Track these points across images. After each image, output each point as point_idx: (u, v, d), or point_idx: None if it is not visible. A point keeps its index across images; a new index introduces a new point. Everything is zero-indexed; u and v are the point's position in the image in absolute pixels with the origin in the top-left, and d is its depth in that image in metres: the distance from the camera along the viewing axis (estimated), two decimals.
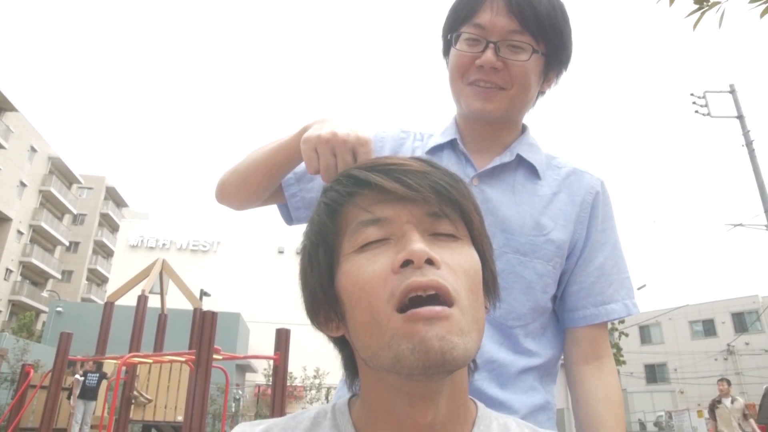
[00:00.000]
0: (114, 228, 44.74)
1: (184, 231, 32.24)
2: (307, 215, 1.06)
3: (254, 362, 24.17)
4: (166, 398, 7.82)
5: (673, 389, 30.55)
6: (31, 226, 36.17)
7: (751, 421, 8.57)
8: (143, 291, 7.81)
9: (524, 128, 1.09)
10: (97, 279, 45.60)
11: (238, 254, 31.29)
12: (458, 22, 0.99)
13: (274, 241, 31.39)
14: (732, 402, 8.84)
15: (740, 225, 15.79)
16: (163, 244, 31.63)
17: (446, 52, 1.05)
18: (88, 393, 9.17)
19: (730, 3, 2.67)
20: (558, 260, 0.99)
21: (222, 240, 31.88)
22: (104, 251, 45.96)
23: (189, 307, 8.60)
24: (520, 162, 1.03)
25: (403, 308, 0.55)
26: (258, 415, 18.73)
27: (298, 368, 21.67)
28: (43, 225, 36.39)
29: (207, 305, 8.60)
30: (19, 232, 35.00)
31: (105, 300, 8.02)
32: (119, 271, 29.79)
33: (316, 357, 20.65)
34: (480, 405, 0.67)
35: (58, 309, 22.13)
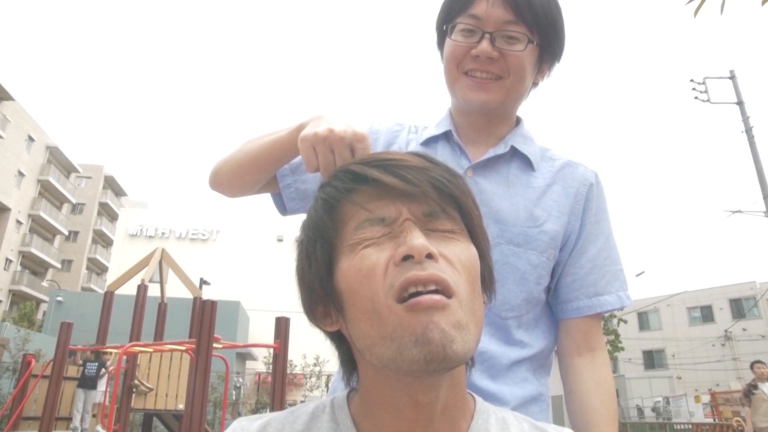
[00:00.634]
0: (113, 217, 44.74)
1: (184, 220, 32.24)
2: (301, 206, 1.06)
3: (254, 350, 24.30)
4: (167, 387, 7.86)
5: (671, 375, 30.79)
6: (30, 215, 36.15)
7: None
8: (143, 280, 7.83)
9: (518, 120, 1.10)
10: (97, 268, 45.67)
11: (237, 243, 31.32)
12: (454, 13, 0.99)
13: (274, 230, 31.41)
14: None
15: (739, 211, 15.81)
16: (163, 233, 31.64)
17: (441, 44, 1.05)
18: (88, 382, 9.22)
19: None
20: (552, 251, 0.99)
21: (221, 228, 31.90)
22: (104, 240, 45.99)
23: (189, 295, 8.62)
24: (515, 154, 1.04)
25: (402, 301, 0.55)
26: (258, 403, 18.85)
27: (298, 356, 21.78)
28: (42, 214, 36.37)
29: (207, 294, 8.60)
30: (18, 222, 34.98)
31: (105, 289, 8.04)
32: (119, 260, 29.84)
33: (315, 345, 20.72)
34: (478, 399, 0.67)
35: (59, 299, 22.18)
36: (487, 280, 0.66)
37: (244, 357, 24.95)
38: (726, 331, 32.28)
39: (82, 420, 8.99)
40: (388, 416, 0.60)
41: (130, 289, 8.24)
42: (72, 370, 9.27)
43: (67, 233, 41.11)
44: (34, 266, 37.51)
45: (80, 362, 9.48)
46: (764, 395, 7.52)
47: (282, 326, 5.78)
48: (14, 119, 32.85)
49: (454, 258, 0.58)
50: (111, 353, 9.22)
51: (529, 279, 0.97)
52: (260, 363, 24.58)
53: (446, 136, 1.06)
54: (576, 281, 1.01)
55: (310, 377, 23.69)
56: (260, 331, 23.76)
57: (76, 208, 43.72)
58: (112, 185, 47.51)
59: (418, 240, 0.56)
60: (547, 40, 0.99)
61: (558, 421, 1.02)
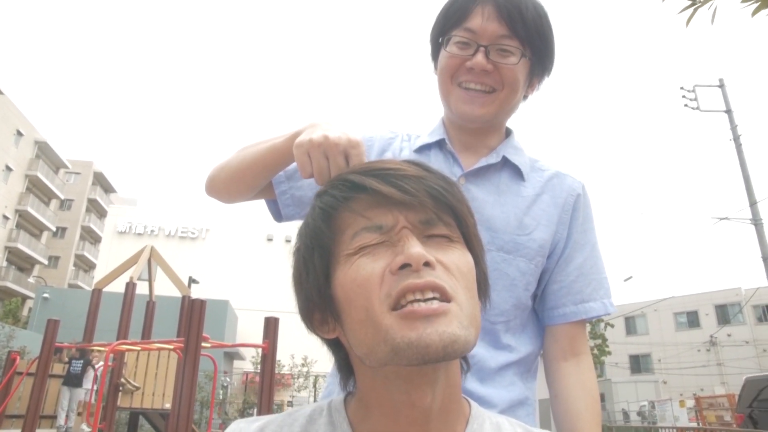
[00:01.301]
0: (102, 214, 44.37)
1: (173, 218, 32.06)
2: (296, 212, 1.07)
3: (242, 350, 24.21)
4: (154, 385, 7.81)
5: (657, 379, 31.01)
6: (17, 211, 35.75)
7: None
8: (131, 278, 7.77)
9: (509, 132, 1.13)
10: (85, 265, 45.26)
11: (226, 241, 31.19)
12: (449, 26, 1.01)
13: (263, 229, 31.31)
14: None
15: (726, 219, 15.96)
16: (152, 231, 31.45)
17: (435, 56, 1.07)
18: (73, 380, 9.14)
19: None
20: (539, 259, 1.02)
21: (211, 227, 31.76)
22: (92, 237, 45.58)
23: (177, 294, 8.57)
24: (506, 163, 1.06)
25: (398, 308, 0.56)
26: (246, 403, 18.77)
27: (286, 356, 21.74)
28: (30, 210, 35.98)
29: (195, 293, 8.56)
30: (5, 217, 34.60)
31: (93, 287, 7.97)
32: (107, 257, 29.62)
33: (304, 345, 20.72)
34: (473, 404, 0.68)
35: (45, 295, 21.98)
36: (482, 286, 0.67)
37: (231, 356, 24.84)
38: (711, 336, 32.60)
39: (67, 418, 8.91)
40: (385, 418, 0.60)
41: (118, 286, 8.19)
42: (57, 368, 9.18)
43: (54, 229, 40.70)
44: (20, 262, 37.10)
45: (66, 360, 9.39)
46: None
47: (271, 326, 5.77)
48: (2, 113, 32.50)
49: (451, 265, 0.59)
50: (97, 351, 9.15)
51: (518, 285, 1.00)
52: (248, 362, 24.48)
53: (439, 144, 1.08)
54: (563, 288, 1.04)
55: (298, 377, 23.64)
56: (248, 331, 23.67)
57: (65, 204, 43.30)
58: (101, 182, 47.11)
59: (415, 248, 0.57)
60: (539, 55, 1.02)
61: (545, 424, 1.05)
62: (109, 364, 7.34)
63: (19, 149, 35.36)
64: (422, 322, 0.54)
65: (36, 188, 37.94)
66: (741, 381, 10.41)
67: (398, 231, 0.59)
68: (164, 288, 10.91)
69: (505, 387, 0.97)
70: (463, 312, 0.57)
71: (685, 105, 17.13)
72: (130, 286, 7.68)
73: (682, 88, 17.24)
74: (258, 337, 6.05)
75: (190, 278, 18.36)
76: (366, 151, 1.07)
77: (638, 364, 36.16)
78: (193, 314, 5.09)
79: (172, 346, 6.06)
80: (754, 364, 28.77)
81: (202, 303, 5.17)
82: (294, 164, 0.96)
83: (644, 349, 35.87)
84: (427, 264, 0.57)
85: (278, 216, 1.12)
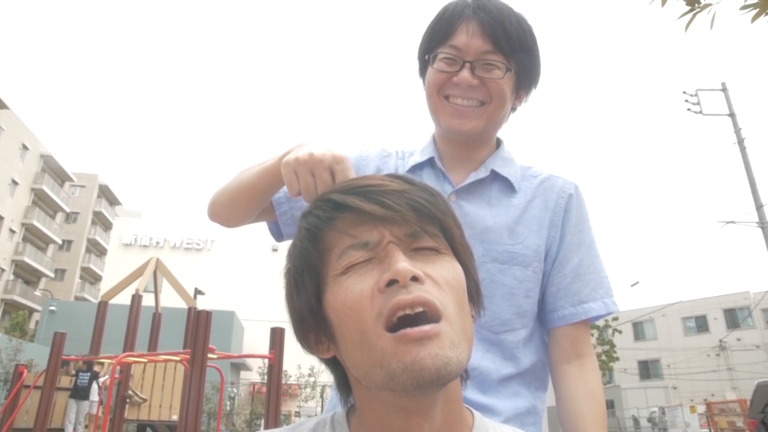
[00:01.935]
0: (107, 226, 44.54)
1: (178, 229, 32.14)
2: None
3: (249, 361, 24.16)
4: (161, 397, 7.81)
5: (666, 385, 30.77)
6: (23, 224, 35.96)
7: None
8: (137, 290, 7.78)
9: (499, 143, 1.14)
10: (91, 277, 45.40)
11: (232, 252, 31.22)
12: (435, 44, 1.04)
13: (269, 240, 31.29)
14: None
15: (732, 222, 15.89)
16: (157, 243, 31.53)
17: (423, 73, 1.10)
18: (80, 392, 9.14)
19: (721, 4, 2.70)
20: (537, 264, 1.03)
21: (216, 238, 31.81)
22: (97, 250, 45.77)
23: (183, 305, 8.58)
24: (495, 177, 1.08)
25: (391, 327, 0.55)
26: (253, 414, 18.71)
27: (292, 367, 21.68)
28: (36, 223, 36.19)
29: (201, 304, 8.57)
30: (11, 231, 34.79)
31: (99, 299, 7.99)
32: (113, 269, 29.69)
33: (310, 356, 20.61)
34: (477, 414, 0.67)
35: (52, 308, 22.04)
36: (474, 296, 0.67)
37: (238, 367, 24.80)
38: (720, 341, 32.35)
39: (74, 431, 8.91)
40: None
41: (124, 298, 8.20)
42: (65, 381, 9.19)
43: (60, 242, 40.90)
44: (26, 275, 37.26)
45: (73, 372, 9.40)
46: None
47: (277, 337, 5.76)
48: (8, 127, 32.78)
49: (439, 278, 0.59)
50: (103, 363, 9.15)
51: (517, 294, 1.00)
52: (255, 373, 24.43)
53: (430, 162, 1.10)
54: (560, 290, 1.04)
55: (305, 388, 23.56)
56: (255, 342, 23.65)
57: (70, 217, 43.53)
58: (106, 194, 47.37)
59: (401, 264, 0.56)
60: (524, 68, 1.04)
61: (555, 431, 1.03)
62: (116, 376, 7.35)
63: (25, 163, 35.62)
64: (415, 345, 0.54)
65: (42, 201, 38.17)
66: (752, 386, 10.32)
67: (384, 246, 0.59)
68: (170, 300, 10.92)
69: (508, 397, 0.96)
70: (454, 329, 0.57)
71: (688, 109, 17.11)
72: (136, 298, 7.69)
73: (684, 92, 17.24)
74: (265, 348, 6.04)
75: (196, 290, 18.39)
76: (362, 169, 1.09)
77: (647, 369, 35.89)
78: (199, 325, 5.09)
79: (178, 358, 6.06)
80: (766, 369, 28.49)
81: (208, 314, 5.17)
82: None
83: (653, 355, 35.61)
84: (415, 278, 0.56)
85: (279, 236, 1.14)
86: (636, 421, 26.57)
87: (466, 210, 1.02)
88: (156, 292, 8.73)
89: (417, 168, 1.10)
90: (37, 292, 36.66)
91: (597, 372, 1.01)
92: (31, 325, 30.65)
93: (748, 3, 2.59)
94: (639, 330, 36.71)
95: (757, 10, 2.53)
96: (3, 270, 34.20)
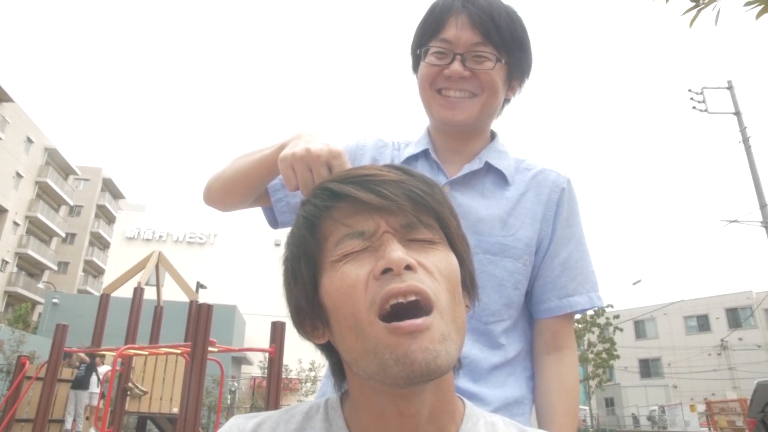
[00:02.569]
0: (110, 219, 44.66)
1: (181, 223, 32.20)
2: (291, 219, 1.09)
3: (250, 354, 24.24)
4: (161, 390, 7.83)
5: (667, 384, 30.77)
6: (27, 217, 36.07)
7: None
8: (139, 283, 7.81)
9: (493, 135, 1.15)
10: (94, 270, 45.54)
11: (234, 247, 31.28)
12: (426, 38, 1.06)
13: (271, 234, 31.36)
14: None
15: (736, 221, 15.85)
16: (160, 236, 31.59)
17: (416, 68, 1.11)
18: (78, 383, 9.21)
19: (726, 1, 2.69)
20: (527, 257, 1.04)
21: (218, 232, 31.86)
22: (101, 243, 45.89)
23: (185, 299, 8.60)
24: (489, 169, 1.09)
25: (384, 316, 0.56)
26: (253, 408, 18.78)
27: (293, 361, 21.74)
28: (40, 216, 36.30)
29: (203, 298, 8.61)
30: (15, 224, 34.91)
31: (101, 292, 8.02)
32: (115, 262, 29.77)
33: (311, 350, 20.62)
34: (468, 403, 0.68)
35: (54, 300, 22.12)
36: (469, 286, 0.67)
37: (239, 361, 24.88)
38: (722, 340, 32.29)
39: (74, 422, 8.95)
40: (375, 423, 0.61)
41: (126, 291, 8.22)
42: (66, 373, 9.24)
43: (64, 235, 41.02)
44: (30, 268, 37.40)
45: (77, 364, 9.45)
46: None
47: (278, 331, 5.77)
48: (13, 121, 32.84)
49: (432, 267, 0.59)
50: (104, 355, 9.19)
51: (507, 285, 1.02)
52: (255, 367, 24.50)
53: (425, 154, 1.11)
54: (548, 283, 1.06)
55: (306, 382, 23.63)
56: (256, 336, 23.70)
57: (74, 210, 43.64)
58: (110, 188, 47.45)
59: (395, 253, 0.57)
60: (515, 58, 1.05)
61: None
62: (117, 368, 7.38)
63: (30, 156, 35.70)
64: (407, 338, 0.55)
65: (46, 195, 38.27)
66: (753, 385, 10.31)
67: (380, 236, 0.60)
68: (172, 293, 10.96)
69: (498, 387, 0.98)
70: (445, 319, 0.57)
71: (693, 107, 17.04)
72: (138, 291, 7.71)
73: (690, 90, 17.17)
74: (266, 342, 6.06)
75: (198, 283, 18.44)
76: (358, 158, 1.10)
77: (648, 368, 35.88)
78: (200, 318, 5.11)
79: (179, 351, 6.09)
80: (767, 369, 28.46)
81: (209, 307, 5.19)
82: None
83: (654, 353, 35.59)
84: (408, 267, 0.57)
85: (274, 222, 1.15)
86: (636, 419, 26.59)
87: (459, 201, 1.02)
88: (158, 286, 8.76)
89: (412, 159, 1.11)
90: (41, 285, 36.79)
91: (574, 364, 1.04)
92: (34, 318, 30.77)
93: None
94: (640, 328, 36.68)
95: (762, 6, 2.51)
96: (7, 262, 34.33)
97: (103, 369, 9.61)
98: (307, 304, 0.63)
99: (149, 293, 8.36)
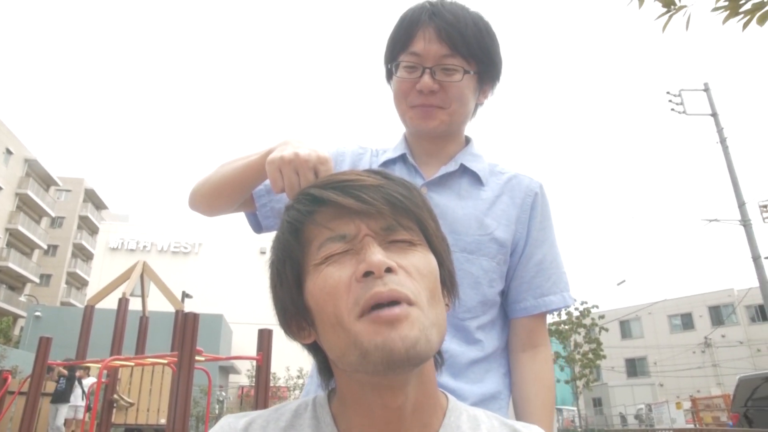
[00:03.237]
0: (93, 230, 44.08)
1: (165, 233, 31.93)
2: (275, 224, 1.12)
3: (237, 363, 24.04)
4: (148, 401, 7.76)
5: (653, 382, 31.09)
6: (7, 229, 35.46)
7: None
8: (124, 294, 7.73)
9: (468, 140, 1.20)
10: (77, 282, 44.86)
11: (219, 255, 31.07)
12: (396, 52, 1.09)
13: (256, 242, 31.21)
14: None
15: (716, 220, 16.12)
16: (144, 246, 31.29)
17: (389, 79, 1.15)
18: (58, 397, 9.07)
19: (696, 6, 2.77)
20: (501, 257, 1.08)
21: (203, 241, 31.64)
22: (84, 254, 45.23)
23: (171, 309, 8.53)
24: (464, 171, 1.13)
25: (365, 315, 0.59)
26: None
27: (281, 369, 21.62)
28: (20, 228, 35.70)
29: (189, 307, 8.54)
30: None
31: (85, 303, 7.93)
32: (99, 274, 29.42)
33: (299, 357, 20.63)
34: (451, 398, 0.70)
35: (37, 313, 21.79)
36: (448, 285, 0.70)
37: (227, 370, 24.67)
38: (705, 338, 32.75)
39: None
40: (361, 417, 0.64)
41: (110, 303, 8.13)
42: (50, 387, 9.10)
43: (46, 247, 40.36)
44: (11, 281, 36.72)
45: (56, 378, 9.31)
46: None
47: (265, 338, 5.75)
48: None
49: (412, 269, 0.62)
50: (89, 368, 9.07)
51: (482, 283, 1.05)
52: (243, 376, 24.32)
53: (402, 158, 1.15)
54: (524, 284, 1.10)
55: (294, 390, 23.49)
56: (243, 344, 23.54)
57: (56, 222, 42.98)
58: (92, 198, 46.83)
59: (376, 256, 0.60)
60: (484, 67, 1.09)
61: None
62: (103, 380, 7.29)
63: (9, 167, 35.14)
64: (386, 327, 0.57)
65: (26, 206, 37.66)
66: (736, 381, 10.46)
67: (361, 239, 0.63)
68: (157, 304, 10.85)
69: (475, 382, 1.01)
70: (425, 315, 0.60)
71: (672, 109, 17.34)
72: (123, 302, 7.63)
73: (668, 92, 17.48)
74: (253, 350, 6.03)
75: (184, 293, 18.28)
76: (338, 164, 1.14)
77: (634, 367, 36.23)
78: (186, 327, 5.08)
79: (165, 361, 6.04)
80: (749, 364, 28.89)
81: (195, 316, 5.16)
82: None
83: (640, 353, 35.95)
84: (389, 270, 0.60)
85: (257, 227, 1.17)
86: (623, 418, 26.82)
87: (436, 201, 1.06)
88: (143, 296, 8.67)
89: (389, 163, 1.15)
90: (22, 298, 36.14)
91: (549, 361, 1.08)
92: (16, 332, 30.23)
93: (719, 5, 2.66)
94: (626, 328, 37.05)
95: (728, 12, 2.59)
96: None
97: (89, 381, 9.48)
98: (293, 305, 0.66)
99: (134, 304, 8.27)
